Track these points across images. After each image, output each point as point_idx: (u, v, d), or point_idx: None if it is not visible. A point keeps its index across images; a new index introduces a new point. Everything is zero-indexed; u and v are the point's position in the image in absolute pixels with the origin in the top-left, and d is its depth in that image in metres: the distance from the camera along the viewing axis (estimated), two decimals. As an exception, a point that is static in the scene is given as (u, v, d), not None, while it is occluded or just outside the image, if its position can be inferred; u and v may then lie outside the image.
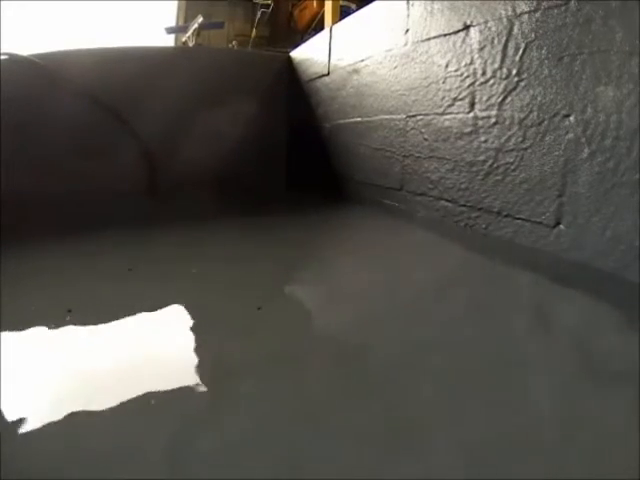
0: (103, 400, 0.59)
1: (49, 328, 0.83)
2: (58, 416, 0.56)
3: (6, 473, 0.45)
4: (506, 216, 1.27)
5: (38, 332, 0.82)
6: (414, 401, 0.59)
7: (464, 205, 1.42)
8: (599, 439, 0.50)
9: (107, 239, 1.50)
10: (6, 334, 0.80)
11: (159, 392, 0.62)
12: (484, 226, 1.35)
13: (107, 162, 2.16)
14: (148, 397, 0.61)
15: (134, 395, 0.61)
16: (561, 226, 1.11)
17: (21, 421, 0.55)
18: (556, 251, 1.12)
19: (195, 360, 0.73)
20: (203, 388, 0.64)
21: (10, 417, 0.56)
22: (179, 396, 0.61)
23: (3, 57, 1.93)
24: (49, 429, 0.54)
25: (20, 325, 0.84)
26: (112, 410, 0.58)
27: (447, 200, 1.49)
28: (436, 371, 0.66)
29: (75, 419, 0.56)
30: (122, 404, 0.59)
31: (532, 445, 0.49)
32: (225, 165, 2.44)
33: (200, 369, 0.69)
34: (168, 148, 2.34)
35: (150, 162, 2.27)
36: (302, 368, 0.69)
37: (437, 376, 0.65)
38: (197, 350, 0.76)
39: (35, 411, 0.57)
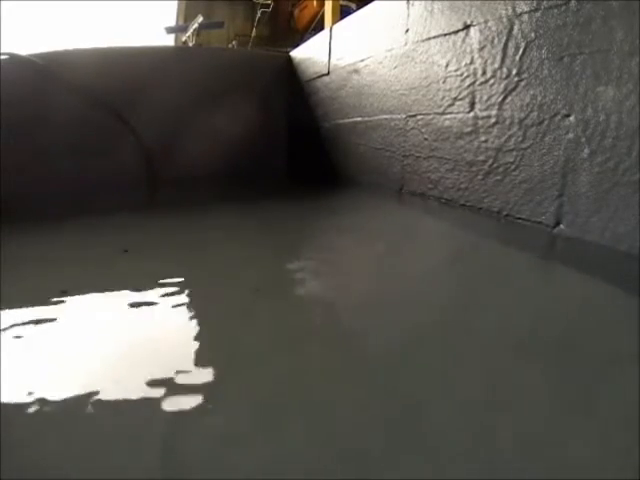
0: (98, 385, 0.59)
1: (42, 310, 0.83)
2: (52, 402, 0.56)
3: (5, 472, 0.45)
4: (506, 216, 1.27)
5: (30, 314, 0.82)
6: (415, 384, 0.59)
7: (464, 205, 1.42)
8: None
9: (107, 227, 1.53)
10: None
11: (155, 377, 0.62)
12: (484, 226, 1.35)
13: (107, 159, 2.16)
14: (144, 381, 0.60)
15: (130, 380, 0.61)
16: (561, 226, 1.11)
17: (17, 407, 0.55)
18: (556, 251, 1.12)
19: (191, 343, 0.72)
20: (200, 373, 0.63)
21: (6, 403, 0.55)
22: (176, 381, 0.61)
23: (3, 57, 1.93)
24: (44, 416, 0.54)
25: (14, 306, 0.84)
26: (108, 396, 0.57)
27: (447, 200, 1.49)
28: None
29: (71, 407, 0.55)
30: (118, 389, 0.59)
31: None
32: (225, 163, 2.44)
33: (197, 352, 0.69)
34: (169, 146, 2.34)
35: (149, 159, 2.27)
36: (301, 352, 0.69)
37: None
38: (193, 332, 0.76)
39: (30, 397, 0.57)
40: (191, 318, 0.83)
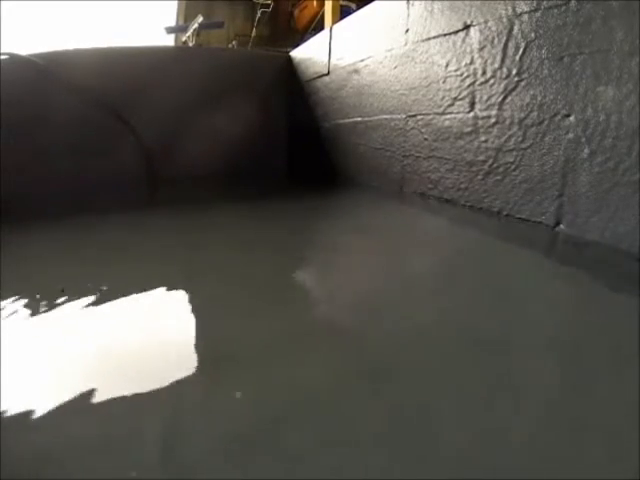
0: (97, 384, 0.59)
1: (40, 308, 0.83)
2: (51, 400, 0.56)
3: (5, 472, 0.45)
4: (506, 216, 1.27)
5: (28, 313, 0.82)
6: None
7: (464, 205, 1.42)
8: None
9: (106, 226, 1.54)
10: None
11: (155, 375, 0.62)
12: (484, 226, 1.35)
13: (107, 159, 2.16)
14: (143, 380, 0.60)
15: (129, 379, 0.61)
16: (561, 226, 1.11)
17: (17, 407, 0.55)
18: (556, 251, 1.12)
19: (191, 342, 0.72)
20: (200, 373, 0.63)
21: (5, 402, 0.55)
22: (176, 381, 0.61)
23: (3, 57, 1.93)
24: (43, 416, 0.54)
25: (13, 305, 0.85)
26: (107, 394, 0.57)
27: (447, 200, 1.49)
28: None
29: (70, 406, 0.55)
30: (117, 388, 0.59)
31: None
32: (225, 162, 2.44)
33: (196, 352, 0.69)
34: (169, 146, 2.34)
35: (149, 159, 2.27)
36: (302, 353, 0.69)
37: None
38: (193, 332, 0.76)
39: (28, 396, 0.57)
40: (191, 317, 0.83)
